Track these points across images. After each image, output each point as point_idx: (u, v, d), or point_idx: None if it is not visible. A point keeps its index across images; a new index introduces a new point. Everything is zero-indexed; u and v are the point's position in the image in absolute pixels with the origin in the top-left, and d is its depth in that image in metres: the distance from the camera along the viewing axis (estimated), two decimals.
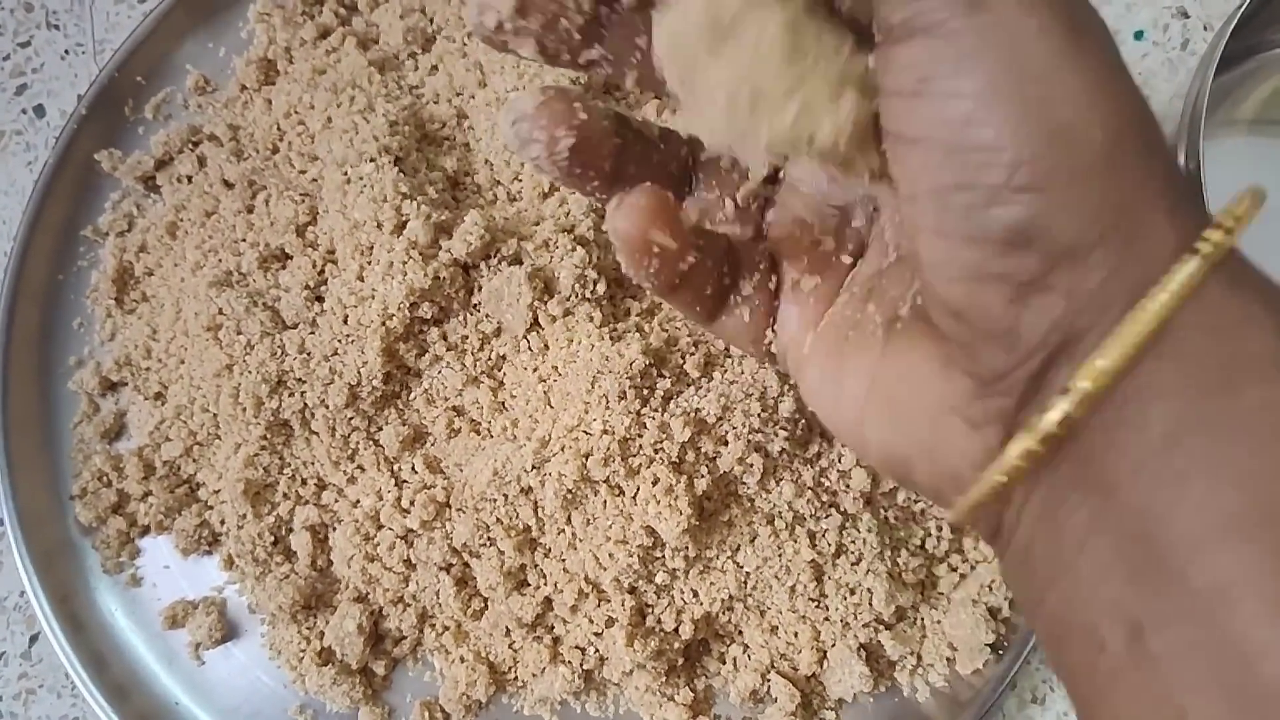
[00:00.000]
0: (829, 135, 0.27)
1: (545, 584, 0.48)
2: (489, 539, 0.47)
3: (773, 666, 0.48)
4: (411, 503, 0.48)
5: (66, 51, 0.62)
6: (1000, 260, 0.24)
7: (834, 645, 0.48)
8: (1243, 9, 0.48)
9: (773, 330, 0.33)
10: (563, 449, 0.44)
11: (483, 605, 0.49)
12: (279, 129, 0.54)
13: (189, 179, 0.56)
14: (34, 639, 0.55)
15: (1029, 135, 0.23)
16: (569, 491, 0.45)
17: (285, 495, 0.50)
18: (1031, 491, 0.26)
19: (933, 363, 0.28)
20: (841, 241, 0.33)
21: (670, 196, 0.30)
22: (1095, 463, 0.24)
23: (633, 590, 0.47)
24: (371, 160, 0.48)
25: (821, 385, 0.31)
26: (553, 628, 0.49)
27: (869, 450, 0.30)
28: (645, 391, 0.44)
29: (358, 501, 0.49)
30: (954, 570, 0.49)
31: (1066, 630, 0.25)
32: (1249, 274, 0.23)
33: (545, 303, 0.46)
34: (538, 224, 0.49)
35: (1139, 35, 0.59)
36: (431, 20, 0.56)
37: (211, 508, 0.52)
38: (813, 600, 0.48)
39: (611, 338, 0.45)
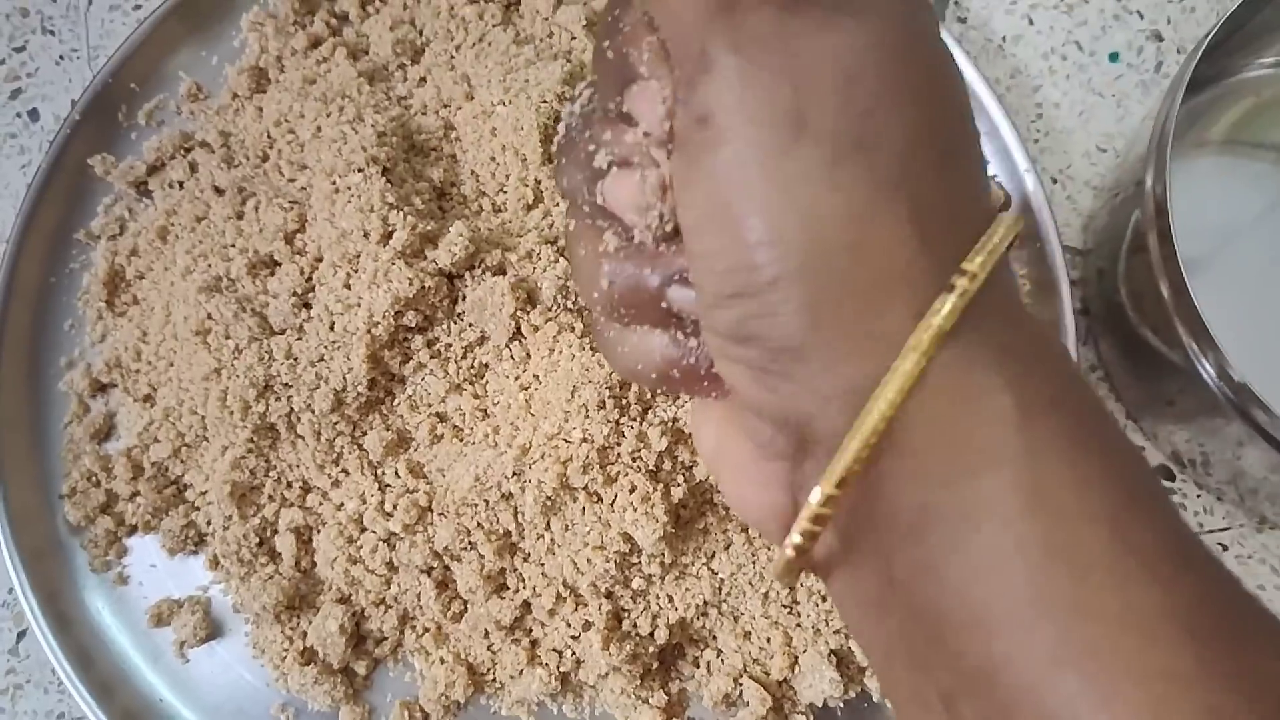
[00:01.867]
0: None
1: (524, 588, 0.49)
2: (470, 543, 0.48)
3: (745, 671, 0.49)
4: (394, 507, 0.49)
5: (61, 57, 0.63)
6: (736, 348, 0.26)
7: (805, 651, 0.49)
8: (1212, 34, 0.50)
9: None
10: (543, 456, 0.45)
11: (463, 608, 0.50)
12: (269, 137, 0.55)
13: (180, 184, 0.57)
14: (21, 635, 0.56)
15: (732, 248, 0.24)
16: (548, 498, 0.46)
17: (271, 497, 0.51)
18: (834, 570, 0.27)
19: (734, 427, 0.29)
20: None
21: None
22: (867, 543, 0.25)
23: (609, 595, 0.48)
24: (359, 170, 0.49)
25: (701, 433, 0.33)
26: (531, 631, 0.50)
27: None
28: (624, 401, 0.45)
29: (342, 505, 0.50)
30: None
31: (894, 686, 0.27)
32: (982, 339, 0.24)
33: (528, 313, 0.47)
34: (522, 235, 0.50)
35: (1114, 57, 0.60)
36: (420, 32, 0.57)
37: (198, 508, 0.53)
38: (785, 607, 0.49)
39: (592, 348, 0.46)
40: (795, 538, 0.25)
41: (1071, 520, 0.22)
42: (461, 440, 0.49)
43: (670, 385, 0.33)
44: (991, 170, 0.56)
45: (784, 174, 0.24)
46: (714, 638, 0.50)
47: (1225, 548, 0.54)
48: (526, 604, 0.49)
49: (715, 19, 0.24)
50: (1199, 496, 0.55)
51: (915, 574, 0.24)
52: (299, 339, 0.49)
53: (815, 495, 0.24)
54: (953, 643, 0.23)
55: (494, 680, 0.51)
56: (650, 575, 0.48)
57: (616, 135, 0.29)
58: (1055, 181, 0.59)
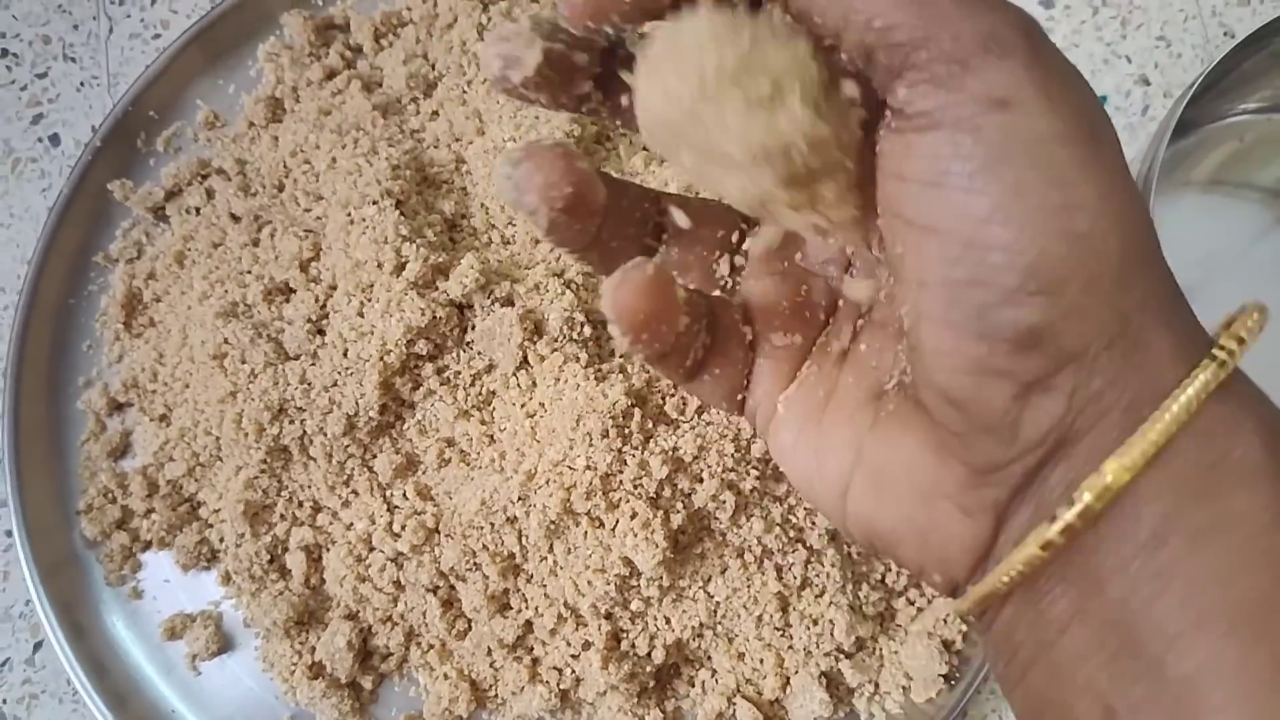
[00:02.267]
0: (839, 193, 0.27)
1: (527, 608, 0.50)
2: (475, 564, 0.50)
3: (738, 691, 0.51)
4: (402, 527, 0.50)
5: (82, 84, 0.65)
6: (1007, 358, 0.24)
7: (797, 672, 0.51)
8: (1199, 81, 0.51)
9: (747, 386, 0.33)
10: (547, 482, 0.47)
11: (467, 626, 0.51)
12: (285, 166, 0.57)
13: (197, 210, 0.59)
14: (38, 646, 0.58)
15: (1048, 240, 0.23)
16: (552, 522, 0.47)
17: (282, 516, 0.53)
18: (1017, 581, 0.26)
19: (926, 447, 0.27)
20: (813, 301, 0.33)
21: (665, 268, 0.29)
22: (1080, 558, 0.25)
23: (609, 616, 0.50)
24: (374, 203, 0.51)
25: (796, 450, 0.31)
26: (532, 649, 0.51)
27: (848, 521, 0.30)
28: (626, 430, 0.47)
29: (351, 525, 0.52)
30: (912, 604, 0.52)
31: (1044, 706, 0.26)
32: (1239, 385, 0.24)
33: (535, 343, 0.49)
34: (530, 268, 0.52)
35: (1102, 100, 0.62)
36: (434, 66, 0.59)
37: (211, 526, 0.55)
38: (778, 629, 0.50)
39: (596, 378, 0.48)
40: (1017, 564, 0.25)
41: None
42: (469, 465, 0.50)
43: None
44: None
45: (1100, 171, 0.23)
46: (709, 658, 0.52)
47: None
48: (529, 623, 0.50)
49: (998, 6, 0.24)
50: None
51: (1137, 584, 0.24)
52: (313, 364, 0.51)
53: (1070, 514, 0.24)
54: (1155, 652, 0.23)
55: (496, 696, 0.52)
56: (649, 598, 0.49)
57: None
58: None
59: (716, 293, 0.33)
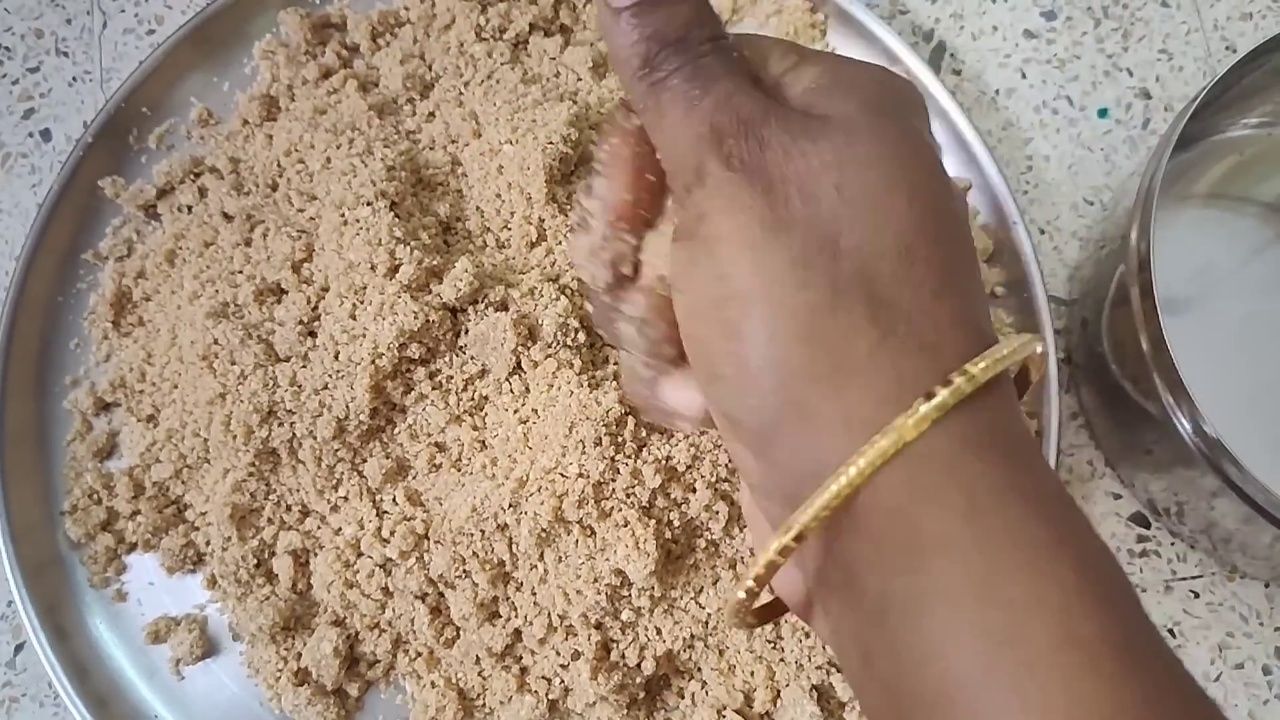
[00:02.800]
0: None
1: (516, 616, 0.50)
2: (464, 571, 0.49)
3: (729, 703, 0.50)
4: (391, 533, 0.50)
5: (74, 78, 0.64)
6: (726, 428, 0.29)
7: (788, 685, 0.50)
8: (1201, 96, 0.51)
9: None
10: (539, 489, 0.47)
11: (455, 634, 0.51)
12: (279, 166, 0.56)
13: (189, 209, 0.58)
14: (19, 648, 0.57)
15: (716, 336, 0.28)
16: (543, 530, 0.47)
17: (270, 520, 0.52)
18: (834, 646, 0.29)
19: (754, 503, 0.32)
20: None
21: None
22: (844, 626, 0.28)
23: (599, 626, 0.49)
24: (368, 204, 0.50)
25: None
26: (521, 658, 0.51)
27: None
28: (620, 439, 0.47)
29: (340, 529, 0.51)
30: None
31: None
32: (958, 421, 0.25)
33: (528, 348, 0.48)
34: (524, 272, 0.51)
35: (1103, 113, 0.62)
36: (430, 67, 0.59)
37: (198, 529, 0.54)
38: (769, 642, 0.50)
39: (590, 385, 0.48)
40: (747, 582, 0.28)
41: (1020, 611, 0.23)
42: (460, 471, 0.50)
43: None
44: (981, 219, 0.57)
45: (762, 270, 0.27)
46: (699, 670, 0.51)
47: (1197, 595, 0.56)
48: (518, 632, 0.50)
49: (706, 144, 0.28)
50: (1173, 544, 0.56)
51: (881, 653, 0.26)
52: (303, 367, 0.50)
53: (767, 551, 0.26)
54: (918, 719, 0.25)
55: (484, 705, 0.52)
56: (639, 608, 0.49)
57: (581, 201, 0.34)
58: (1043, 232, 0.61)
59: None
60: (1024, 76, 0.63)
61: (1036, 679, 0.22)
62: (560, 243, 0.51)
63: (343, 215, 0.50)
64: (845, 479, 0.25)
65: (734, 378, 0.27)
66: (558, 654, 0.50)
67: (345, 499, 0.51)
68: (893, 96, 0.30)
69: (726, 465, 0.47)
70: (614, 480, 0.46)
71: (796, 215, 0.27)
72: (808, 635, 0.50)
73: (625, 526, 0.47)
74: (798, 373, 0.26)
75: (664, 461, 0.47)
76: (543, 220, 0.52)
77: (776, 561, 0.26)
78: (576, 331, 0.49)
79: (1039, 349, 0.28)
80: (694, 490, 0.47)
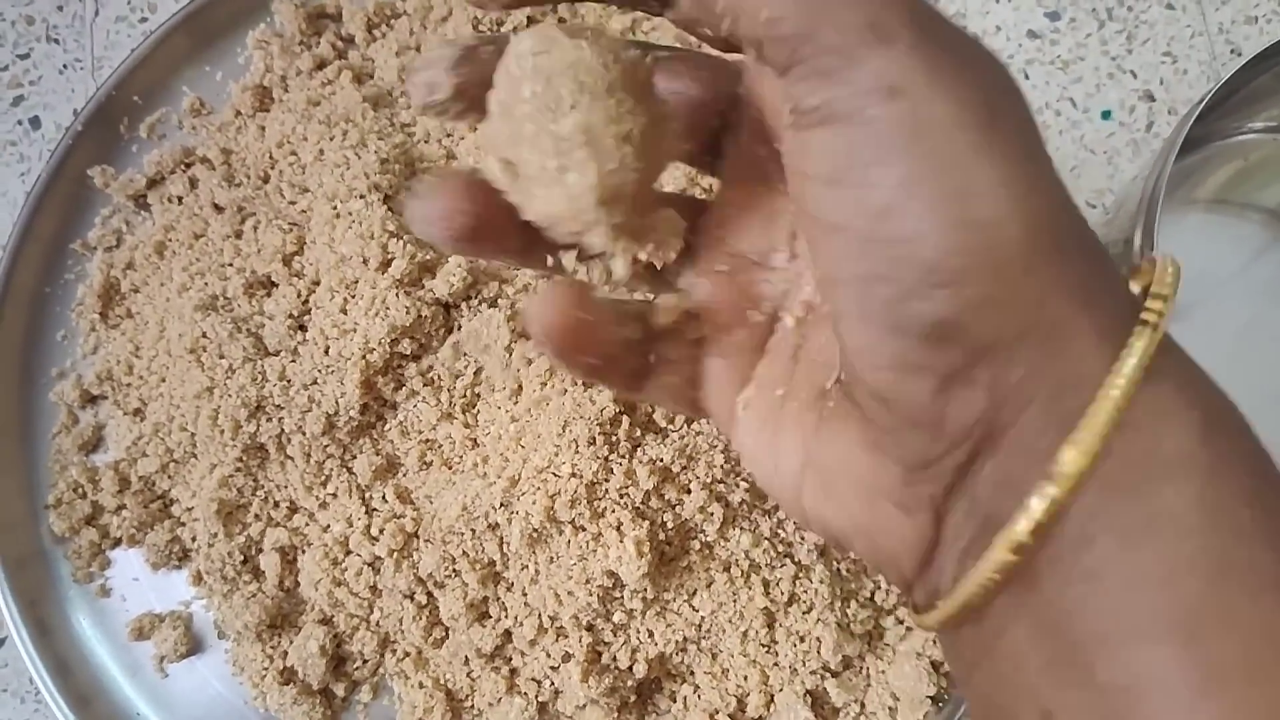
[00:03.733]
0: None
1: (506, 617, 0.49)
2: (454, 570, 0.48)
3: (721, 708, 0.50)
4: (381, 531, 0.49)
5: (65, 66, 0.64)
6: (922, 352, 0.24)
7: (781, 690, 0.50)
8: (1206, 100, 0.50)
9: (699, 386, 0.32)
10: (531, 488, 0.46)
11: (444, 634, 0.50)
12: (271, 157, 0.56)
13: (179, 200, 0.57)
14: (0, 643, 0.56)
15: (946, 230, 0.22)
16: (535, 530, 0.46)
17: (257, 516, 0.52)
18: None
19: (863, 445, 0.27)
20: (757, 296, 0.32)
21: (584, 284, 0.29)
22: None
23: (590, 628, 0.48)
24: (361, 197, 0.49)
25: (757, 451, 0.31)
26: (511, 659, 0.50)
27: (808, 520, 0.30)
28: (614, 438, 0.46)
29: (328, 527, 0.51)
30: (900, 623, 0.51)
31: (990, 708, 0.26)
32: (1171, 360, 0.23)
33: (522, 345, 0.48)
34: (519, 268, 0.50)
35: (1106, 115, 0.61)
36: None
37: (184, 524, 0.53)
38: (764, 646, 0.49)
39: (584, 384, 0.47)
40: (986, 571, 0.24)
41: (1249, 540, 0.22)
42: (450, 469, 0.49)
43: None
44: None
45: (1000, 154, 0.23)
46: (692, 673, 0.50)
47: None
48: (508, 633, 0.49)
49: None
50: None
51: (1068, 583, 0.23)
52: (293, 361, 0.49)
53: (1030, 512, 0.23)
54: (1088, 657, 0.23)
55: (472, 707, 0.51)
56: (632, 610, 0.48)
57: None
58: None
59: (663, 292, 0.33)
60: (1027, 77, 0.62)
61: (1262, 608, 0.22)
62: None
63: (335, 208, 0.50)
64: (1106, 410, 0.22)
65: (976, 282, 0.23)
66: (548, 655, 0.49)
67: (334, 496, 0.51)
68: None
69: (722, 466, 0.46)
70: (607, 480, 0.46)
71: (1004, 103, 0.23)
72: (802, 639, 0.49)
73: (618, 527, 0.46)
74: (1052, 281, 0.23)
75: (658, 462, 0.46)
76: None
77: (1043, 524, 0.23)
78: None
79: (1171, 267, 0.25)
80: (688, 491, 0.46)
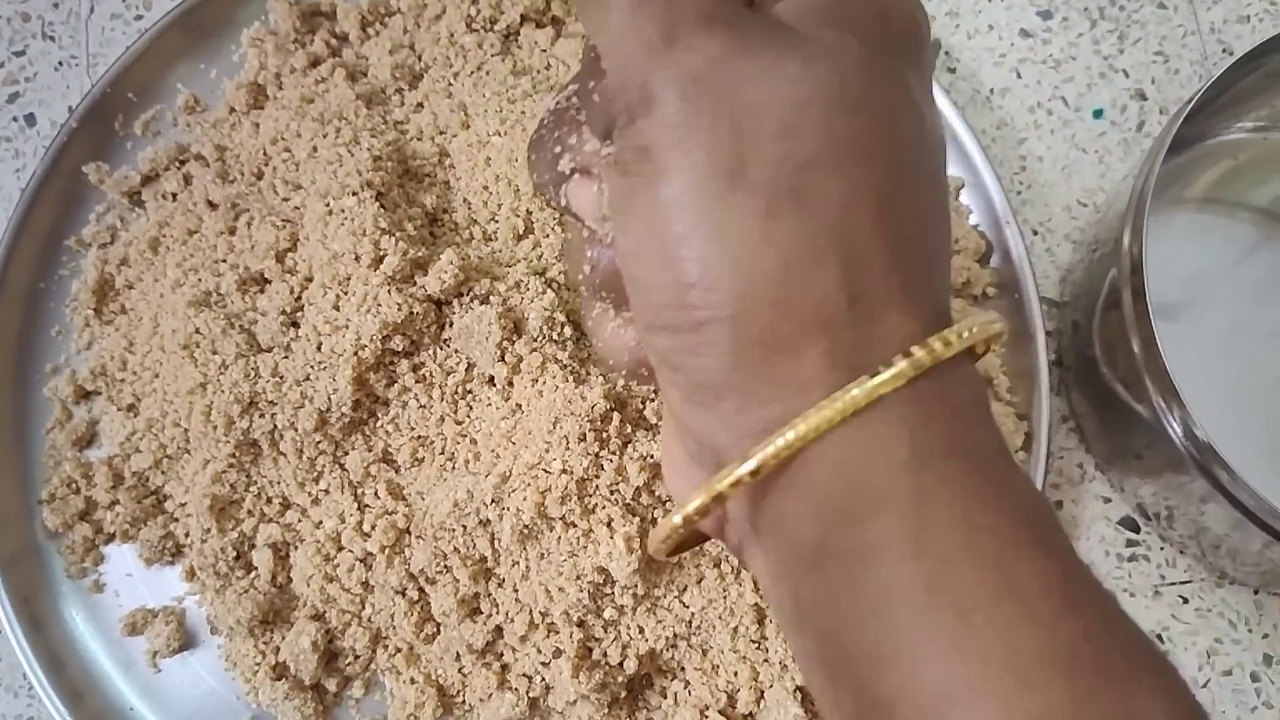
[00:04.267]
0: None
1: (497, 613, 0.49)
2: (445, 567, 0.49)
3: (711, 704, 0.50)
4: (373, 527, 0.49)
5: (60, 63, 0.64)
6: (664, 371, 0.27)
7: (771, 686, 0.50)
8: (1196, 99, 0.51)
9: None
10: (522, 485, 0.46)
11: (435, 630, 0.50)
12: (265, 154, 0.56)
13: (174, 196, 0.58)
14: None
15: (665, 285, 0.25)
16: (526, 526, 0.46)
17: (250, 512, 0.52)
18: (764, 586, 0.29)
19: (674, 428, 0.31)
20: None
21: None
22: (780, 574, 0.27)
23: (581, 624, 0.49)
24: (354, 194, 0.49)
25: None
26: (502, 655, 0.50)
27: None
28: (604, 435, 0.46)
29: (320, 523, 0.51)
30: None
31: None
32: (895, 400, 0.24)
33: (513, 342, 0.48)
34: (511, 265, 0.51)
35: (1098, 114, 0.62)
36: (420, 58, 0.58)
37: (177, 520, 0.53)
38: (754, 642, 0.49)
39: (575, 380, 0.47)
40: (674, 521, 0.27)
41: (956, 563, 0.23)
42: (442, 465, 0.49)
43: (640, 380, 0.37)
44: (973, 220, 0.57)
45: (720, 221, 0.24)
46: (682, 669, 0.51)
47: (1185, 600, 0.55)
48: (499, 629, 0.49)
49: (656, 53, 0.24)
50: (1163, 549, 0.56)
51: (820, 606, 0.25)
52: (286, 357, 0.49)
53: (701, 492, 0.26)
54: (855, 672, 0.24)
55: (463, 703, 0.51)
56: (622, 606, 0.48)
57: (580, 143, 0.31)
58: (1036, 233, 0.60)
59: None
60: (1019, 76, 0.62)
61: (973, 628, 0.23)
62: (548, 236, 0.51)
63: (328, 205, 0.50)
64: (795, 434, 0.24)
65: (684, 332, 0.25)
66: (539, 651, 0.49)
67: (326, 492, 0.51)
68: (894, 35, 0.26)
69: None
70: (598, 477, 0.46)
71: (767, 155, 0.24)
72: None
73: (609, 524, 0.46)
74: (759, 337, 0.25)
75: (649, 458, 0.46)
76: (530, 213, 0.51)
77: (707, 506, 0.26)
78: (563, 326, 0.48)
79: (998, 328, 0.27)
80: None
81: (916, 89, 0.26)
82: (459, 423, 0.49)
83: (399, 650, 0.51)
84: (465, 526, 0.47)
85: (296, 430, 0.49)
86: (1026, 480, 0.26)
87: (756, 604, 0.48)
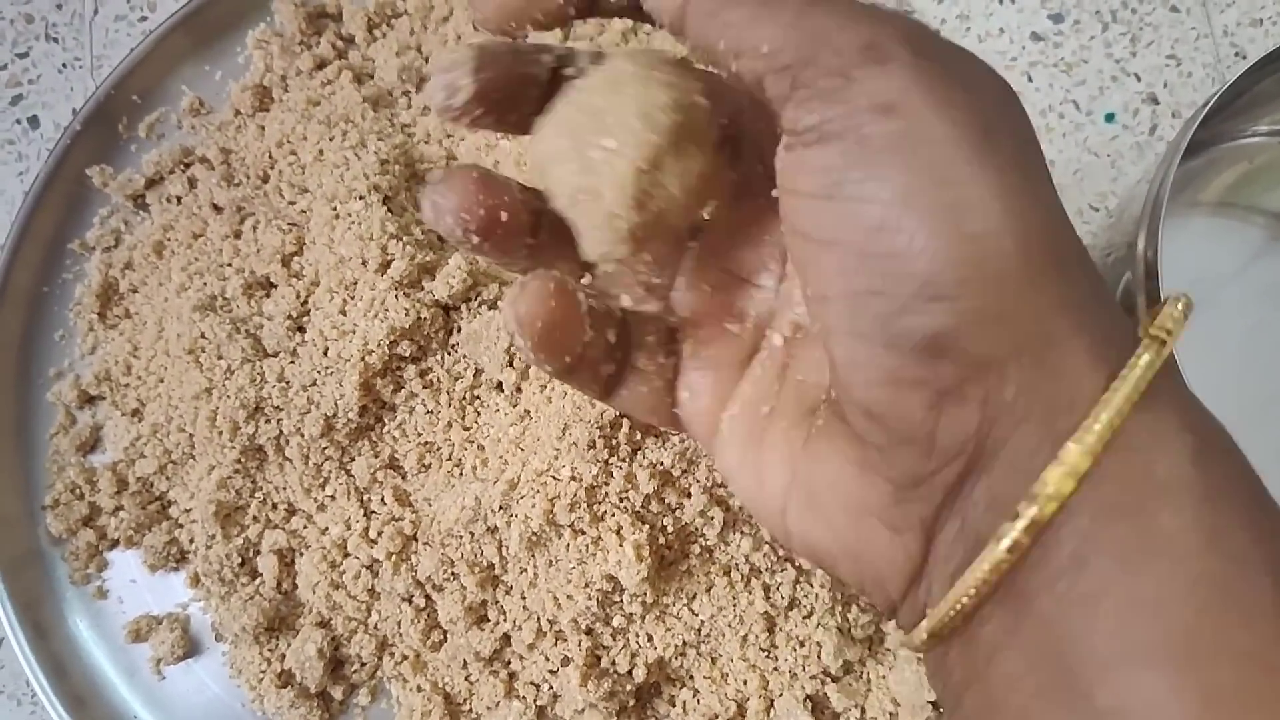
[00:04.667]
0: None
1: (505, 620, 0.49)
2: (453, 574, 0.48)
3: (720, 712, 0.50)
4: (379, 534, 0.49)
5: (64, 65, 0.63)
6: (916, 367, 0.24)
7: (781, 695, 0.49)
8: (1211, 103, 0.50)
9: (674, 400, 0.33)
10: (530, 492, 0.46)
11: (442, 637, 0.50)
12: (270, 157, 0.55)
13: (178, 200, 0.57)
14: None
15: (941, 243, 0.23)
16: (534, 533, 0.46)
17: (255, 518, 0.51)
18: None
19: (851, 463, 0.27)
20: (744, 311, 0.32)
21: (567, 279, 0.30)
22: (1007, 578, 0.24)
23: (590, 632, 0.48)
24: (361, 198, 0.49)
25: (741, 468, 0.31)
26: (509, 663, 0.50)
27: (791, 541, 0.30)
28: (614, 442, 0.46)
29: (326, 529, 0.50)
30: (901, 629, 0.51)
31: None
32: (1166, 386, 0.23)
33: None
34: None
35: (1110, 118, 0.61)
36: (426, 60, 0.58)
37: (181, 526, 0.53)
38: (763, 650, 0.49)
39: None
40: (967, 586, 0.24)
41: (1246, 566, 0.22)
42: (450, 471, 0.49)
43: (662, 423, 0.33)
44: None
45: (996, 169, 0.23)
46: (691, 678, 0.50)
47: None
48: (506, 636, 0.49)
49: (870, 15, 0.24)
50: None
51: (1064, 606, 0.23)
52: (292, 362, 0.49)
53: (1012, 530, 0.23)
54: (1085, 681, 0.22)
55: (470, 711, 0.51)
56: (631, 614, 0.48)
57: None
58: None
59: (652, 305, 0.33)
60: (1030, 80, 0.62)
61: (1257, 634, 0.22)
62: None
63: (334, 209, 0.49)
64: (1099, 428, 0.22)
65: (971, 296, 0.23)
66: (547, 659, 0.49)
67: (332, 498, 0.50)
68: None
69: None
70: (607, 484, 0.45)
71: (1003, 125, 0.24)
72: (802, 644, 0.49)
73: (618, 531, 0.46)
74: (1049, 298, 0.23)
75: (658, 466, 0.46)
76: None
77: (1021, 543, 0.23)
78: None
79: (1183, 302, 0.26)
80: (688, 495, 0.46)
81: None
82: (466, 429, 0.49)
83: (405, 658, 0.51)
84: (473, 533, 0.47)
85: (302, 436, 0.49)
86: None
87: (766, 612, 0.48)
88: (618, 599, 0.47)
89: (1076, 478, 0.22)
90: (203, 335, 0.50)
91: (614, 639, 0.48)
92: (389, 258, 0.47)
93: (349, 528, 0.50)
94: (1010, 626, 0.24)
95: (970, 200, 0.23)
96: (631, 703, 0.50)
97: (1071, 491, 0.22)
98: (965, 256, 0.23)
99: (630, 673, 0.49)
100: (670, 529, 0.46)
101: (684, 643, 0.49)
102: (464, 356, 0.48)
